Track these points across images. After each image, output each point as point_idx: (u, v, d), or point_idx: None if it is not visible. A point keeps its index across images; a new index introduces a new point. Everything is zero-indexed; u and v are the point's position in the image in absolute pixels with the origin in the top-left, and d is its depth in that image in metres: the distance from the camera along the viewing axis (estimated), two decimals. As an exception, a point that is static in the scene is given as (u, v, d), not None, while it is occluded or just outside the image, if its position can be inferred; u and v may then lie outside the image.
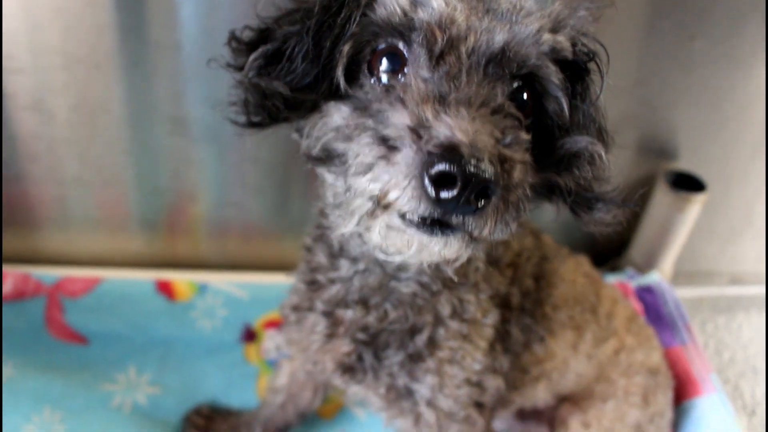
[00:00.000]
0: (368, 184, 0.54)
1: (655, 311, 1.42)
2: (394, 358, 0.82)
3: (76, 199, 1.34)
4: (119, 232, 1.40)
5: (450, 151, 0.49)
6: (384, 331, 0.82)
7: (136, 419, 1.16)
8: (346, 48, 0.60)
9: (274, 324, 1.33)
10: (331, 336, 0.85)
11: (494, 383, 0.87)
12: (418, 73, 0.58)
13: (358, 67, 0.62)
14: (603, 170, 0.63)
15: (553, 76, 0.61)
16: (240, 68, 0.63)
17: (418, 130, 0.51)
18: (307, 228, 0.88)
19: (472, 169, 0.48)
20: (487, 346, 0.85)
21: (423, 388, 0.83)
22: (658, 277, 1.47)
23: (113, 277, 1.32)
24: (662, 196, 1.44)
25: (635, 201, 0.67)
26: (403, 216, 0.54)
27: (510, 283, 0.88)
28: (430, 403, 0.85)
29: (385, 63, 0.61)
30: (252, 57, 0.62)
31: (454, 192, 0.49)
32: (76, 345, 1.25)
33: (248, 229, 1.43)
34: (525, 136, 0.57)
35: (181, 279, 1.33)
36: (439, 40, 0.58)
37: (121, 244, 1.42)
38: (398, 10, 0.59)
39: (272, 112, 0.62)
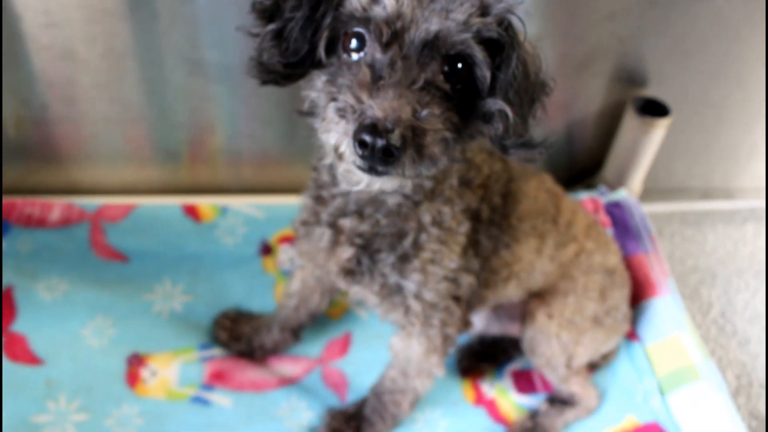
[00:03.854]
0: (328, 138, 0.77)
1: (623, 224, 1.58)
2: (386, 259, 1.00)
3: (108, 136, 1.48)
4: (147, 163, 1.55)
5: (369, 124, 0.71)
6: (377, 237, 0.99)
7: (173, 323, 1.34)
8: (324, 34, 0.80)
9: (287, 239, 1.49)
10: (335, 244, 1.02)
11: (468, 280, 1.05)
12: (373, 53, 0.78)
13: (336, 43, 0.82)
14: (512, 125, 0.80)
15: (477, 53, 0.77)
16: (257, 35, 0.83)
17: (355, 107, 0.73)
18: (315, 152, 1.04)
19: (378, 141, 0.71)
20: (460, 250, 1.02)
21: (410, 284, 1.01)
22: (625, 194, 1.63)
23: (145, 203, 1.47)
24: (630, 121, 1.58)
25: (540, 147, 0.84)
26: (353, 162, 0.75)
27: (480, 200, 1.04)
28: (417, 296, 1.03)
29: (353, 42, 0.80)
30: (262, 34, 0.82)
31: (368, 152, 0.72)
32: (118, 263, 1.42)
33: (261, 156, 1.58)
34: (437, 111, 0.76)
35: (205, 203, 1.49)
36: (385, 33, 0.76)
37: (149, 174, 1.56)
38: (359, 6, 0.78)
39: (275, 80, 0.84)
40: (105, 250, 1.43)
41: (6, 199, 1.43)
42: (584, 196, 1.63)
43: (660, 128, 1.56)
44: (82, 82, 1.39)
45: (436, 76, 0.78)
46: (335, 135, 0.75)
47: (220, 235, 1.47)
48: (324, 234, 1.03)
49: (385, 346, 1.18)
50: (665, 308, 1.41)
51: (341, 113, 0.75)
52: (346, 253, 1.02)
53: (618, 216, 1.59)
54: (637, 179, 1.67)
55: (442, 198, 0.98)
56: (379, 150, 0.71)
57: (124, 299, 1.36)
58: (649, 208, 1.78)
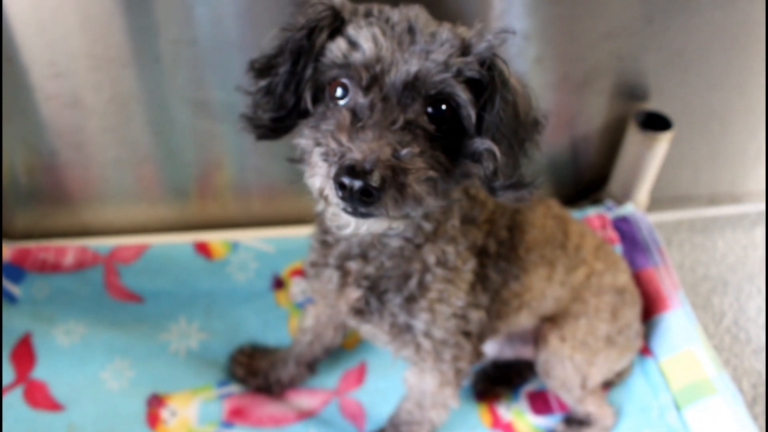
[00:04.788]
0: (313, 182, 0.78)
1: (631, 238, 1.58)
2: (393, 300, 1.01)
3: (117, 178, 1.50)
4: (157, 202, 1.57)
5: (347, 166, 0.72)
6: (383, 279, 1.00)
7: (190, 361, 1.36)
8: (308, 85, 0.83)
9: (298, 272, 1.50)
10: (343, 285, 1.04)
11: (477, 315, 1.06)
12: (355, 98, 0.79)
13: (323, 92, 0.84)
14: (501, 166, 0.80)
15: (460, 92, 0.78)
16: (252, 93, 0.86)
17: (335, 150, 0.74)
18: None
19: (355, 182, 0.71)
20: (467, 287, 1.03)
21: (419, 323, 1.02)
22: (632, 208, 1.63)
23: (157, 242, 1.48)
24: (633, 136, 1.58)
25: (530, 187, 0.84)
26: (337, 204, 0.76)
27: (486, 236, 1.05)
28: (426, 335, 1.04)
29: (338, 90, 0.82)
30: (254, 92, 0.85)
31: (348, 193, 0.73)
32: (133, 303, 1.44)
33: (269, 189, 1.59)
34: (419, 150, 0.76)
35: (216, 239, 1.50)
36: (364, 77, 0.78)
37: (160, 212, 1.58)
38: (339, 54, 0.80)
39: (265, 134, 0.87)
40: (120, 291, 1.45)
41: (20, 245, 1.46)
42: (591, 213, 1.64)
43: (663, 142, 1.56)
44: (90, 128, 1.42)
45: (419, 116, 0.79)
46: (319, 179, 0.76)
47: (232, 271, 1.49)
48: (332, 276, 1.04)
49: (400, 375, 1.20)
50: (677, 322, 1.41)
51: (324, 157, 0.76)
52: (355, 293, 1.03)
53: (626, 231, 1.59)
54: (643, 192, 1.68)
55: (446, 238, 0.99)
56: (357, 191, 0.72)
57: (141, 340, 1.38)
58: (656, 218, 1.79)
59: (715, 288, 1.73)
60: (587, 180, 1.78)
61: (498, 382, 1.41)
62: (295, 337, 1.37)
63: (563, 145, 1.68)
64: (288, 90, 0.84)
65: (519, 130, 0.82)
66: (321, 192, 0.77)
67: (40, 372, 1.30)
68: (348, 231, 0.81)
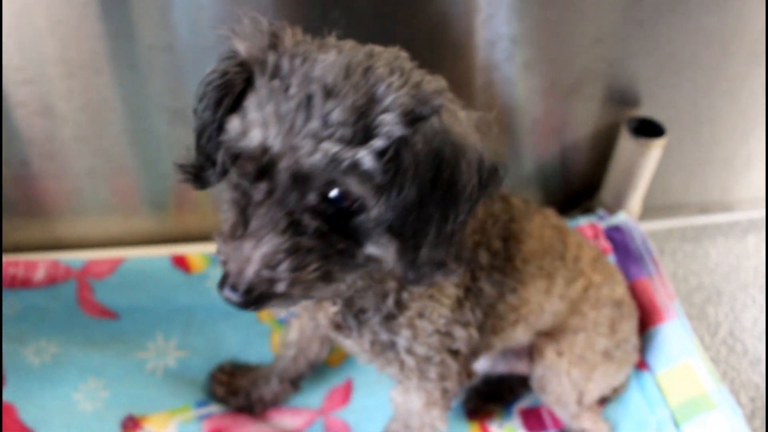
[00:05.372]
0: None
1: (624, 248, 1.54)
2: (373, 318, 0.96)
3: (92, 189, 1.45)
4: (134, 214, 1.51)
5: (226, 279, 0.72)
6: (356, 297, 0.94)
7: (168, 380, 1.30)
8: (219, 153, 0.77)
9: None
10: (319, 300, 0.97)
11: (463, 333, 1.00)
12: (248, 185, 0.73)
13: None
14: (403, 260, 0.75)
15: (355, 187, 0.70)
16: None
17: (221, 252, 0.74)
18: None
19: (232, 295, 0.72)
20: (451, 303, 0.98)
21: (401, 340, 0.97)
22: (625, 217, 1.59)
23: (133, 255, 1.43)
24: (625, 143, 1.55)
25: (428, 281, 0.79)
26: None
27: (476, 247, 1.00)
28: (409, 351, 0.98)
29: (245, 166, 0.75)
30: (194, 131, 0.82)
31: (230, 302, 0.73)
32: (108, 320, 1.38)
33: (250, 201, 1.55)
34: (297, 257, 0.72)
35: (194, 252, 1.45)
36: (250, 172, 0.72)
37: (137, 224, 1.53)
38: (231, 138, 0.73)
39: (190, 179, 0.85)
40: (94, 307, 1.39)
41: (-13, 261, 1.39)
42: (583, 222, 1.60)
43: (656, 149, 1.53)
44: (63, 137, 1.36)
45: (313, 207, 0.72)
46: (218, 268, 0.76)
47: (211, 285, 1.43)
48: None
49: (387, 391, 1.15)
50: (673, 333, 1.37)
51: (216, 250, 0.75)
52: (332, 307, 0.98)
53: (619, 240, 1.56)
54: (635, 200, 1.64)
55: None
56: (236, 304, 0.72)
57: (116, 358, 1.32)
58: (647, 227, 1.75)
59: (710, 298, 1.69)
60: (577, 188, 1.74)
61: (490, 398, 1.36)
62: (278, 352, 1.31)
63: (552, 152, 1.64)
64: (210, 140, 0.78)
65: (456, 201, 0.73)
66: None
67: (8, 394, 1.23)
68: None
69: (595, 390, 1.23)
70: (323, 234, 0.73)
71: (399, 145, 0.69)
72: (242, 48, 0.76)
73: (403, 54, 0.79)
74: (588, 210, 1.70)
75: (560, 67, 1.46)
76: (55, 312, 1.37)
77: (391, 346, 0.99)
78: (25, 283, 1.37)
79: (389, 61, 0.75)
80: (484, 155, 0.74)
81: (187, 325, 1.40)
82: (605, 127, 1.61)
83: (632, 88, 1.55)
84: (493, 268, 1.04)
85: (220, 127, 0.76)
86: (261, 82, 0.73)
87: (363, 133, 0.69)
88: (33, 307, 1.36)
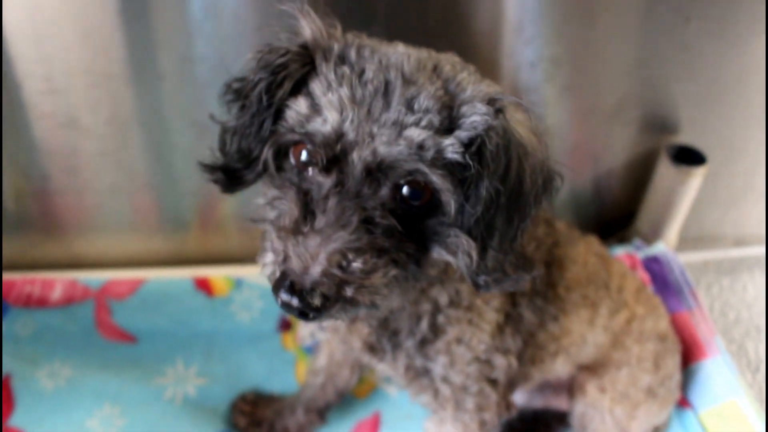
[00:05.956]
0: (263, 268, 0.69)
1: (663, 280, 1.49)
2: (407, 342, 0.91)
3: (113, 206, 1.41)
4: (155, 233, 1.47)
5: (287, 281, 0.64)
6: (391, 319, 0.90)
7: (187, 409, 1.25)
8: (267, 146, 0.72)
9: None
10: (353, 320, 0.94)
11: (503, 361, 0.95)
12: (315, 176, 0.69)
13: (287, 151, 0.72)
14: (478, 262, 0.70)
15: (438, 181, 0.66)
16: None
17: (278, 251, 0.66)
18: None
19: (293, 300, 0.63)
20: (492, 328, 0.93)
21: (437, 367, 0.92)
22: (663, 247, 1.54)
23: (154, 277, 1.39)
24: (665, 170, 1.50)
25: (519, 278, 0.74)
26: None
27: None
28: (445, 379, 0.93)
29: (303, 154, 0.70)
30: (222, 125, 0.78)
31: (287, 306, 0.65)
32: (126, 344, 1.33)
33: (277, 222, 1.50)
34: (371, 256, 0.66)
35: (218, 275, 1.41)
36: (319, 159, 0.67)
37: (158, 244, 1.49)
38: (297, 121, 0.69)
39: (219, 181, 0.79)
40: (111, 330, 1.34)
41: (5, 277, 1.35)
42: (620, 252, 1.55)
43: (697, 177, 1.48)
44: (86, 151, 1.33)
45: (385, 204, 0.67)
46: (267, 270, 0.68)
47: (235, 310, 1.39)
48: None
49: (417, 428, 1.09)
50: (717, 371, 1.31)
51: (271, 247, 0.67)
52: (366, 328, 0.93)
53: (657, 271, 1.50)
54: (673, 230, 1.59)
55: (459, 276, 0.87)
56: (295, 309, 0.64)
57: (133, 384, 1.27)
58: (682, 258, 1.69)
59: (749, 333, 1.63)
60: (612, 216, 1.69)
61: (524, 435, 1.29)
62: (304, 382, 1.26)
63: (587, 178, 1.60)
64: (248, 141, 0.74)
65: (519, 207, 0.71)
66: (269, 282, 0.68)
67: (18, 419, 1.18)
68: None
69: (638, 429, 1.18)
70: (394, 234, 0.68)
71: (484, 138, 0.67)
72: (308, 31, 0.73)
73: (458, 58, 0.77)
74: (623, 239, 1.65)
75: (601, 91, 1.42)
76: (71, 333, 1.32)
77: (426, 372, 0.94)
78: (41, 303, 1.33)
79: (452, 62, 0.74)
80: (544, 159, 0.72)
81: (209, 352, 1.35)
82: (642, 153, 1.57)
83: (672, 113, 1.51)
84: (535, 293, 0.99)
85: (276, 113, 0.72)
86: (326, 68, 0.70)
87: (448, 122, 0.67)
88: (48, 328, 1.32)
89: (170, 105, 1.29)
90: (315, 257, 0.64)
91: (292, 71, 0.71)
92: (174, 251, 1.50)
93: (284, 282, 0.64)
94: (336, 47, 0.71)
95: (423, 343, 0.91)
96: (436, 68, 0.71)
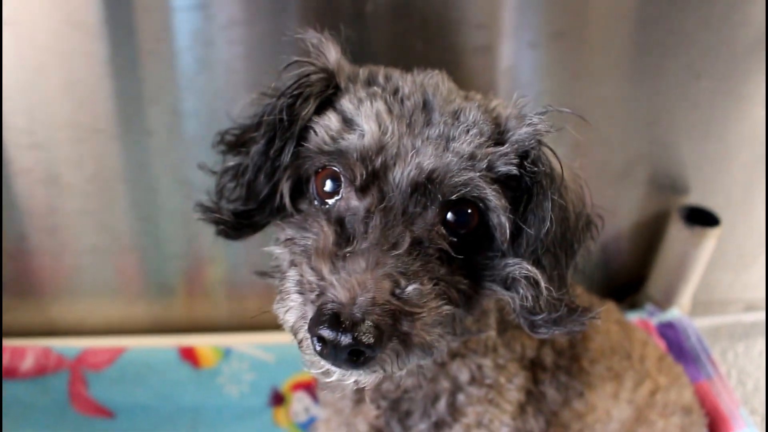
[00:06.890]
0: (284, 318, 0.60)
1: (678, 347, 1.43)
2: (420, 425, 0.83)
3: (94, 267, 1.35)
4: (138, 298, 1.41)
5: (329, 314, 0.52)
6: (404, 399, 0.82)
7: (168, 493, 1.16)
8: (286, 174, 0.65)
9: (302, 386, 1.33)
10: (359, 401, 0.86)
11: None
12: (348, 200, 0.61)
13: (307, 183, 0.66)
14: (543, 296, 0.62)
15: (490, 196, 0.60)
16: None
17: (313, 283, 0.56)
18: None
19: (341, 337, 0.52)
20: (514, 409, 0.85)
21: None
22: (678, 313, 1.48)
23: (135, 345, 1.32)
24: (677, 232, 1.45)
25: (580, 317, 0.66)
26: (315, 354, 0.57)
27: (540, 344, 0.89)
28: None
29: (328, 184, 0.64)
30: (219, 172, 0.72)
31: (330, 350, 0.54)
32: (102, 419, 1.26)
33: (267, 288, 1.42)
34: (428, 281, 0.58)
35: (205, 344, 1.34)
36: (359, 174, 0.60)
37: (140, 310, 1.43)
38: (326, 137, 0.62)
39: (223, 231, 0.71)
40: (87, 404, 1.27)
41: (-30, 346, 1.27)
42: (632, 318, 1.48)
43: (711, 239, 1.43)
44: (66, 209, 1.28)
45: (433, 229, 0.61)
46: (292, 315, 0.58)
47: (223, 383, 1.32)
48: (346, 387, 0.85)
49: None
50: (745, 447, 1.23)
51: (299, 288, 0.58)
52: (373, 410, 0.85)
53: (672, 338, 1.45)
54: (686, 295, 1.53)
55: (481, 349, 0.81)
56: (344, 349, 0.53)
57: (108, 465, 1.17)
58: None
59: (770, 404, 1.54)
60: (619, 281, 1.64)
61: None
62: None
63: (595, 241, 1.53)
64: (260, 176, 0.67)
65: (569, 238, 0.66)
66: (294, 332, 0.59)
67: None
68: (329, 380, 0.62)
69: None
70: (445, 263, 0.60)
71: (536, 157, 0.63)
72: (332, 55, 0.68)
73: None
74: (634, 305, 1.59)
75: (613, 150, 1.39)
76: (42, 408, 1.25)
77: None
78: (10, 373, 1.26)
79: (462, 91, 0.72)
80: (583, 197, 0.69)
81: (193, 428, 1.27)
82: (652, 214, 1.52)
83: (682, 173, 1.47)
84: (558, 368, 0.92)
85: (301, 134, 0.66)
86: (355, 88, 0.66)
87: (495, 137, 0.63)
88: (16, 401, 1.24)
89: (158, 162, 1.25)
90: (363, 283, 0.54)
91: (316, 90, 0.66)
92: (158, 318, 1.44)
93: (323, 317, 0.53)
94: (361, 72, 0.68)
95: (438, 427, 0.83)
96: (467, 95, 0.69)
